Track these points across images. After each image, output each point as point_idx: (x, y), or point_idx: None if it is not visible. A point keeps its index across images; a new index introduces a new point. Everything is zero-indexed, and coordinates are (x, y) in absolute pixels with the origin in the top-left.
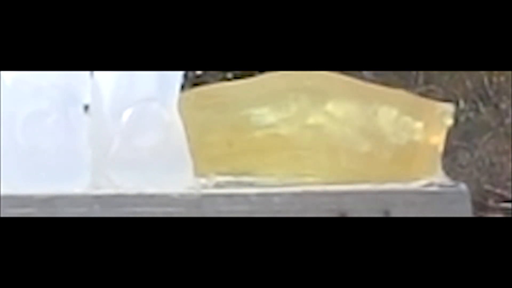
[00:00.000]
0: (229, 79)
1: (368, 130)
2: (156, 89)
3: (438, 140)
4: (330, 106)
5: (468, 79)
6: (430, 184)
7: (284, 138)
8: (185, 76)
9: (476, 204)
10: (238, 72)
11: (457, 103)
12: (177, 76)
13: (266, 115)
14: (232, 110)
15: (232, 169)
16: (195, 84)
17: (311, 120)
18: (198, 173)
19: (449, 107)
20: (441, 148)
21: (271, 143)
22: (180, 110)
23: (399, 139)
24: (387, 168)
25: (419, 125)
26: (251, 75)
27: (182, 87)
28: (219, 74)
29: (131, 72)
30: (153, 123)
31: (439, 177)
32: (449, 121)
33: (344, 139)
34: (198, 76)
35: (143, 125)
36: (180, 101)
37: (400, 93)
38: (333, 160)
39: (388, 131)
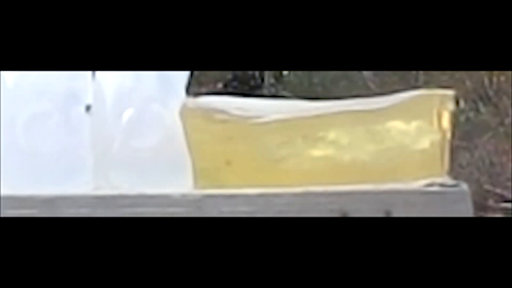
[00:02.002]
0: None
1: (384, 148)
2: (157, 90)
3: (448, 125)
4: (336, 136)
5: (468, 79)
6: (431, 184)
7: (290, 172)
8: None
9: (476, 204)
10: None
11: (457, 103)
12: (178, 77)
13: (272, 147)
14: (237, 133)
15: (227, 185)
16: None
17: (318, 152)
18: (195, 184)
19: (449, 93)
20: (450, 133)
21: (275, 176)
22: (183, 117)
23: (420, 145)
24: (413, 174)
25: (434, 127)
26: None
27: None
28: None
29: (133, 73)
30: (153, 124)
31: (441, 177)
32: (451, 107)
33: (364, 164)
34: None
35: (143, 126)
36: (184, 109)
37: (403, 101)
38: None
39: (404, 142)
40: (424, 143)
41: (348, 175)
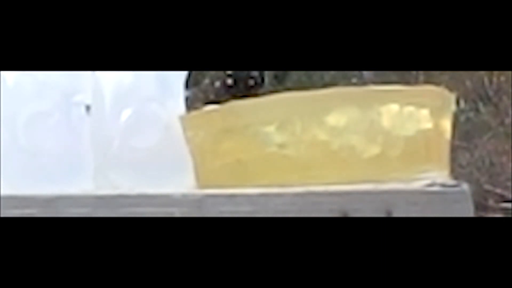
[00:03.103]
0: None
1: (375, 133)
2: (156, 90)
3: (446, 125)
4: (332, 120)
5: (468, 79)
6: (432, 184)
7: (292, 159)
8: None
9: (476, 204)
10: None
11: (457, 103)
12: (177, 77)
13: (271, 134)
14: (239, 129)
15: (240, 185)
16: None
17: (316, 137)
18: (201, 186)
19: (450, 93)
20: (449, 135)
21: (280, 164)
22: (185, 131)
23: (407, 131)
24: (400, 164)
25: (424, 112)
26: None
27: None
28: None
29: (132, 72)
30: (153, 123)
31: (446, 171)
32: (453, 107)
33: (352, 149)
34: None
35: (142, 125)
36: (184, 121)
37: (397, 88)
38: (343, 172)
39: (394, 127)
40: (409, 130)
41: (341, 160)
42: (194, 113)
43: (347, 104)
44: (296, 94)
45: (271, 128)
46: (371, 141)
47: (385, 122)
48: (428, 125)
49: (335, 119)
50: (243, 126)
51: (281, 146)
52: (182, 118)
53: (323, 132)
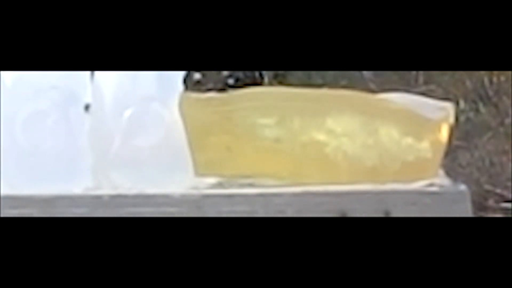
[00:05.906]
0: (229, 86)
1: (371, 146)
2: (157, 89)
3: (441, 154)
4: (332, 123)
5: (468, 79)
6: (431, 185)
7: (285, 153)
8: (184, 82)
9: (476, 204)
10: (239, 77)
11: (457, 103)
12: (177, 76)
13: (268, 127)
14: (235, 116)
15: (230, 173)
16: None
17: (313, 137)
18: (197, 174)
19: (449, 107)
20: (441, 157)
21: (272, 156)
22: (182, 109)
23: (404, 155)
24: (395, 177)
25: (423, 144)
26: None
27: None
28: (218, 81)
29: (132, 72)
30: (154, 123)
31: (439, 177)
32: (451, 120)
33: (346, 156)
34: (197, 81)
35: (143, 125)
36: (183, 100)
37: (403, 110)
38: (335, 176)
39: (391, 149)
40: (410, 157)
41: (337, 165)
42: (194, 95)
43: (350, 112)
44: (298, 91)
45: (267, 121)
46: (367, 154)
47: (384, 140)
48: (427, 155)
49: (334, 123)
50: (239, 113)
51: (276, 140)
52: (181, 98)
53: (321, 133)
